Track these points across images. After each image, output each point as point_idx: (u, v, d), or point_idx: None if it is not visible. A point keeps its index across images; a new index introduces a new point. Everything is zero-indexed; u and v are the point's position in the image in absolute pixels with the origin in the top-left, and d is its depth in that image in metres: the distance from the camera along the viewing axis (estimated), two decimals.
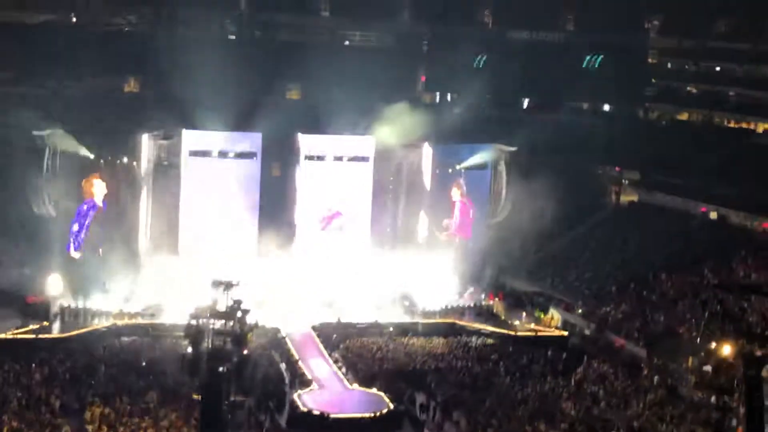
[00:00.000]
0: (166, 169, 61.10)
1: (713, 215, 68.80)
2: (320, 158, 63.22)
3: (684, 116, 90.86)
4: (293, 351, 52.04)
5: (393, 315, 59.18)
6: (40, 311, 54.70)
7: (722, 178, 69.98)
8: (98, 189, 57.03)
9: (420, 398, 46.96)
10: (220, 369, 33.57)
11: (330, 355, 52.14)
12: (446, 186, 64.60)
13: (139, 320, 55.51)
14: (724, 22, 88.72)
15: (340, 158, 63.41)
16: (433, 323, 58.80)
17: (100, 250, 57.33)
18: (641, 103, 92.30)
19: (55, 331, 53.47)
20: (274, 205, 63.18)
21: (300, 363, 50.21)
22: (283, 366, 50.22)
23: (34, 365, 46.80)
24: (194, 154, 61.28)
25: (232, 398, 35.23)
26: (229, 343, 33.97)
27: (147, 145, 60.38)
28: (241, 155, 61.96)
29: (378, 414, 44.13)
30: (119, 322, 54.99)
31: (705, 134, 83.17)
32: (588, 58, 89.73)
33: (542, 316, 61.34)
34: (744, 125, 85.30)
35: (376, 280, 61.26)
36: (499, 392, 47.48)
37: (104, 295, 56.63)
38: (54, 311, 55.01)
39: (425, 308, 60.27)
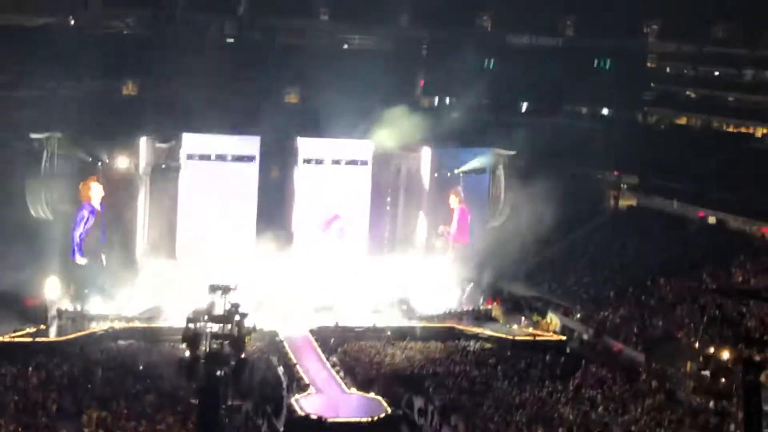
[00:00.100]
0: (164, 172, 60.99)
1: (712, 220, 68.72)
2: (319, 162, 63.27)
3: (683, 120, 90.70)
4: (291, 355, 51.96)
5: (391, 319, 59.11)
6: (37, 314, 54.62)
7: (721, 183, 70.03)
8: (96, 192, 56.97)
9: (418, 402, 46.92)
10: (218, 373, 33.51)
11: (328, 359, 52.04)
12: (445, 190, 64.44)
13: (137, 324, 55.42)
14: (722, 27, 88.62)
15: (338, 162, 63.49)
16: (432, 327, 58.76)
17: (103, 256, 57.34)
18: (640, 108, 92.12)
19: (53, 335, 53.39)
20: (273, 208, 63.12)
21: (297, 367, 50.12)
22: (280, 370, 50.13)
23: (31, 368, 46.69)
24: (192, 157, 61.21)
25: (229, 402, 35.19)
26: (227, 346, 33.92)
27: (145, 148, 60.27)
28: (239, 158, 61.95)
29: (376, 418, 43.99)
30: (116, 326, 54.88)
31: (703, 139, 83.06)
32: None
33: (540, 320, 61.27)
34: (743, 130, 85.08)
35: (375, 284, 61.18)
36: (497, 396, 47.44)
37: (102, 298, 56.54)
38: (51, 314, 54.89)
39: (423, 312, 60.18)
